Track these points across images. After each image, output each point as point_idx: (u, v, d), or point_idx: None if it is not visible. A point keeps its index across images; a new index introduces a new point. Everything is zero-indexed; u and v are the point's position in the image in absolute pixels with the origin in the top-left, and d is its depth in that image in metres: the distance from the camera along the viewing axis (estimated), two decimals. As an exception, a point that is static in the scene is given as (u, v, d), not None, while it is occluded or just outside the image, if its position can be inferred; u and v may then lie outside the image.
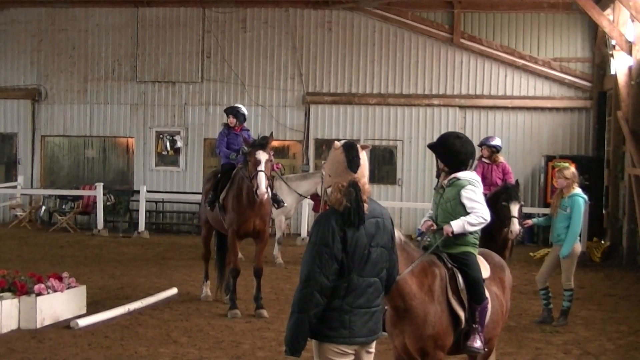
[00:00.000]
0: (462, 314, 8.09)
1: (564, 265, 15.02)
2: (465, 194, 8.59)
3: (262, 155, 14.99)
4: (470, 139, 9.18)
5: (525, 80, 30.39)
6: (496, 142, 18.04)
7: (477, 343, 8.20)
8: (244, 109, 17.47)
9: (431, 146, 8.97)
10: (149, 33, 32.24)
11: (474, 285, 8.12)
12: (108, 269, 20.88)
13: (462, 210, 8.53)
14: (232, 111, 17.21)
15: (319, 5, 31.00)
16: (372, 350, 7.22)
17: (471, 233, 8.62)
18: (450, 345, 8.21)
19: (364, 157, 7.05)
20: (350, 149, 7.02)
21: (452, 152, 8.69)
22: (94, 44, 32.66)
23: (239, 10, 31.66)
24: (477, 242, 8.83)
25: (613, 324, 15.55)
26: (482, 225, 8.66)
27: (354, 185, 6.85)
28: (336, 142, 7.20)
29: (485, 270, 8.65)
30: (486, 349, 8.60)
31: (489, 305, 8.44)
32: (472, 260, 8.41)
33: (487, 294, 8.41)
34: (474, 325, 8.14)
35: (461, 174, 8.70)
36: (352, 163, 6.95)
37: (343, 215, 6.80)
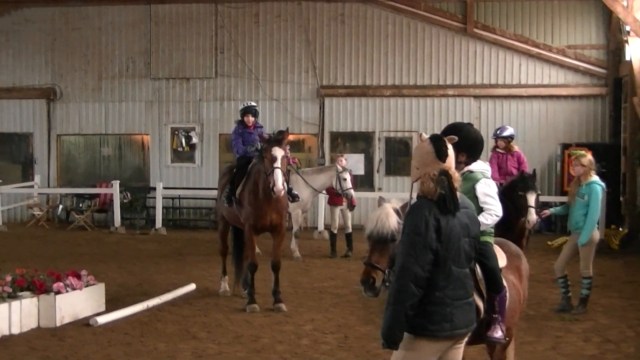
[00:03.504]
0: (481, 304, 8.05)
1: (582, 253, 15.00)
2: (480, 188, 8.55)
3: (278, 152, 14.97)
4: (486, 128, 9.17)
5: (539, 68, 30.37)
6: (509, 132, 17.99)
7: (498, 333, 8.17)
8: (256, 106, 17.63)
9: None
10: (162, 30, 32.31)
11: (492, 275, 8.08)
12: (126, 266, 20.95)
13: (477, 203, 8.49)
14: (251, 110, 17.18)
15: (332, -2, 31.06)
16: (463, 343, 7.12)
17: None
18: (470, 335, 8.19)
19: (450, 148, 7.05)
20: (438, 140, 7.02)
21: (471, 140, 8.63)
22: (108, 42, 32.77)
23: (252, 5, 31.71)
24: (493, 231, 8.81)
25: (633, 311, 15.50)
26: (495, 222, 8.64)
27: (445, 174, 6.81)
28: (422, 134, 7.21)
29: (501, 260, 8.60)
30: (507, 339, 8.59)
31: (507, 295, 8.41)
32: (489, 250, 8.36)
33: (504, 283, 8.38)
34: (494, 315, 8.10)
35: (474, 167, 8.66)
36: (441, 153, 6.91)
37: (438, 204, 6.72)
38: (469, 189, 8.50)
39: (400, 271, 6.66)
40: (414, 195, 7.01)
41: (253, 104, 17.79)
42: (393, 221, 7.28)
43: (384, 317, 6.71)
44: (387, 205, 7.51)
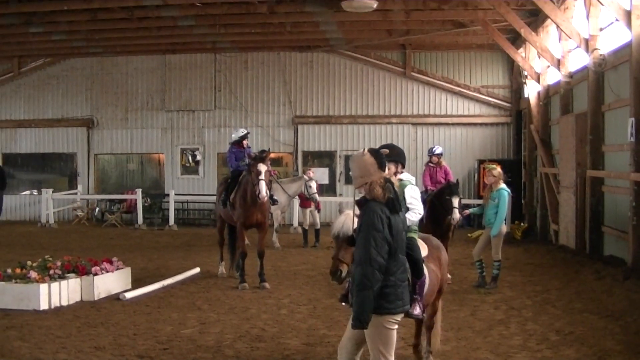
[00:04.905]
0: None
1: (493, 242, 15.07)
2: (408, 192, 8.65)
3: (262, 167, 15.08)
4: (421, 148, 9.21)
5: (461, 102, 30.46)
6: (439, 150, 18.02)
7: (417, 310, 8.01)
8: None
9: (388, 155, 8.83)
10: (174, 73, 32.21)
11: (415, 264, 7.96)
12: (147, 254, 20.85)
13: (405, 204, 8.52)
14: (247, 136, 17.36)
15: (303, 49, 30.98)
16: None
17: None
18: None
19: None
20: (377, 153, 6.74)
21: (402, 154, 8.72)
22: (132, 83, 32.65)
23: (242, 54, 31.65)
24: (417, 229, 8.88)
25: (531, 285, 15.59)
26: (419, 218, 8.74)
27: (389, 181, 6.66)
28: (362, 149, 6.81)
29: (424, 251, 8.58)
30: (424, 315, 8.53)
31: (427, 280, 8.34)
32: (413, 244, 8.27)
33: (425, 270, 8.33)
34: (414, 296, 7.99)
35: (403, 176, 8.76)
36: (382, 163, 6.66)
37: (388, 205, 6.49)
38: (400, 192, 8.57)
39: (365, 261, 6.36)
40: (357, 198, 6.76)
41: (248, 131, 17.90)
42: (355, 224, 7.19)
43: (354, 303, 6.44)
44: (349, 212, 7.35)
